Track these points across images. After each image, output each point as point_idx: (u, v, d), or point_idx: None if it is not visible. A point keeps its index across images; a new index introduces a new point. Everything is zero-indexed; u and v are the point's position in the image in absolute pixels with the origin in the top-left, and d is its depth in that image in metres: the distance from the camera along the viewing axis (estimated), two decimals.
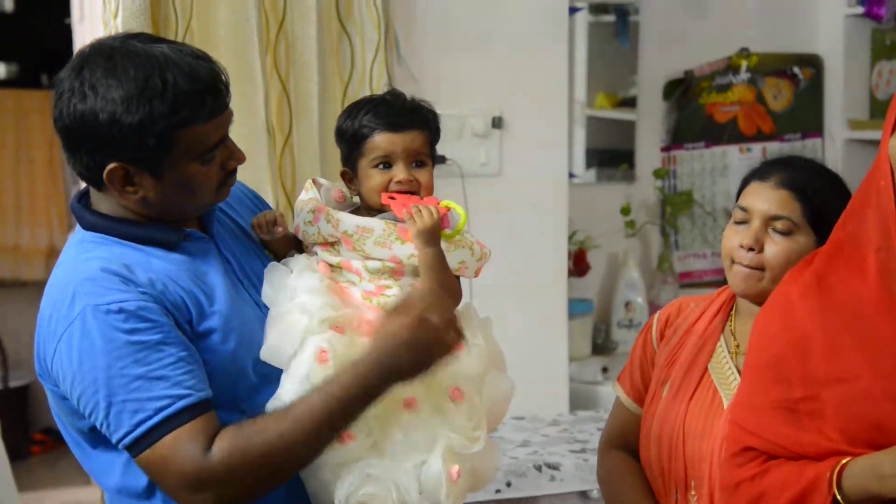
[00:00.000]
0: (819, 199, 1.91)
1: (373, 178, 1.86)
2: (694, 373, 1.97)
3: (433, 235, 1.78)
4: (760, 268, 1.90)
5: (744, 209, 1.94)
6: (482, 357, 1.83)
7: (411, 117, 1.88)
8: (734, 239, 1.93)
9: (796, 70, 4.07)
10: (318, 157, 3.01)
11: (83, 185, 1.77)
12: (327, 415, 1.63)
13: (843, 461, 1.61)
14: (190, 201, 1.72)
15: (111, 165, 1.64)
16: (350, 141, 1.90)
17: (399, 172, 1.85)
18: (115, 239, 1.71)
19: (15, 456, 1.53)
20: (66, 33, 4.48)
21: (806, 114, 4.10)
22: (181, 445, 1.60)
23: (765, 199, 1.91)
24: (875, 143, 4.07)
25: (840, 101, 4.04)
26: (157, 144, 1.63)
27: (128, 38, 1.70)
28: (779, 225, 1.90)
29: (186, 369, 1.64)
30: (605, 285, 3.97)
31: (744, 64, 4.03)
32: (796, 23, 4.08)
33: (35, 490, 4.48)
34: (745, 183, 1.99)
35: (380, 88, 3.04)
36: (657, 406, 1.99)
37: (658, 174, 3.94)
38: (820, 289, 1.70)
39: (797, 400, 1.67)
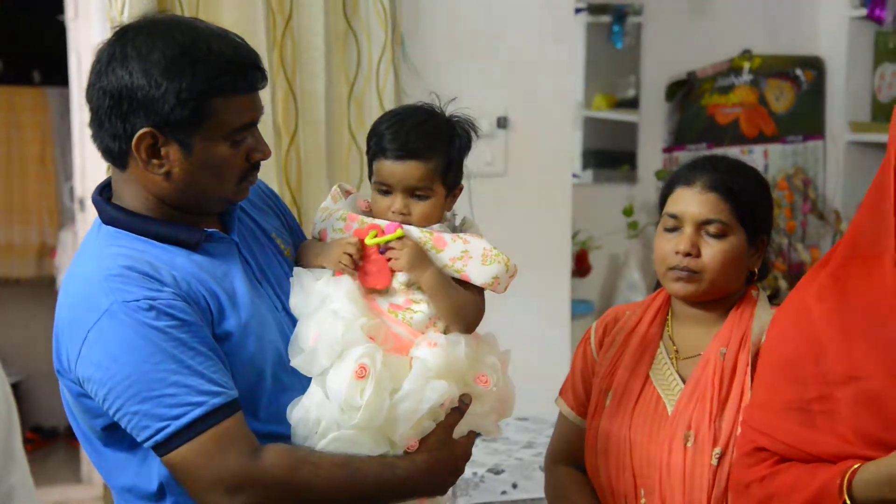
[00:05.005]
0: (746, 197, 1.91)
1: (377, 202, 1.83)
2: (636, 381, 1.95)
3: (420, 259, 1.74)
4: (699, 271, 1.90)
5: (674, 216, 1.93)
6: (491, 403, 1.80)
7: (416, 146, 1.78)
8: (667, 246, 1.92)
9: (798, 72, 4.08)
10: (325, 156, 2.98)
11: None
12: (375, 490, 1.66)
13: (854, 466, 1.59)
14: (212, 187, 1.67)
15: (142, 130, 1.60)
16: (368, 156, 1.87)
17: (394, 203, 1.80)
18: (137, 236, 1.68)
19: None
20: (60, 31, 4.44)
21: (808, 116, 4.10)
22: (222, 445, 1.57)
23: (694, 203, 1.90)
24: (877, 146, 4.09)
25: (842, 103, 4.05)
26: (193, 110, 1.60)
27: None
28: (712, 229, 1.90)
29: (217, 367, 1.61)
30: (606, 286, 3.96)
31: (746, 66, 4.03)
32: (798, 25, 4.09)
33: None
34: (670, 189, 1.98)
35: (386, 87, 3.02)
36: (601, 416, 1.96)
37: (660, 175, 3.93)
38: (836, 290, 1.69)
39: (811, 400, 1.65)
